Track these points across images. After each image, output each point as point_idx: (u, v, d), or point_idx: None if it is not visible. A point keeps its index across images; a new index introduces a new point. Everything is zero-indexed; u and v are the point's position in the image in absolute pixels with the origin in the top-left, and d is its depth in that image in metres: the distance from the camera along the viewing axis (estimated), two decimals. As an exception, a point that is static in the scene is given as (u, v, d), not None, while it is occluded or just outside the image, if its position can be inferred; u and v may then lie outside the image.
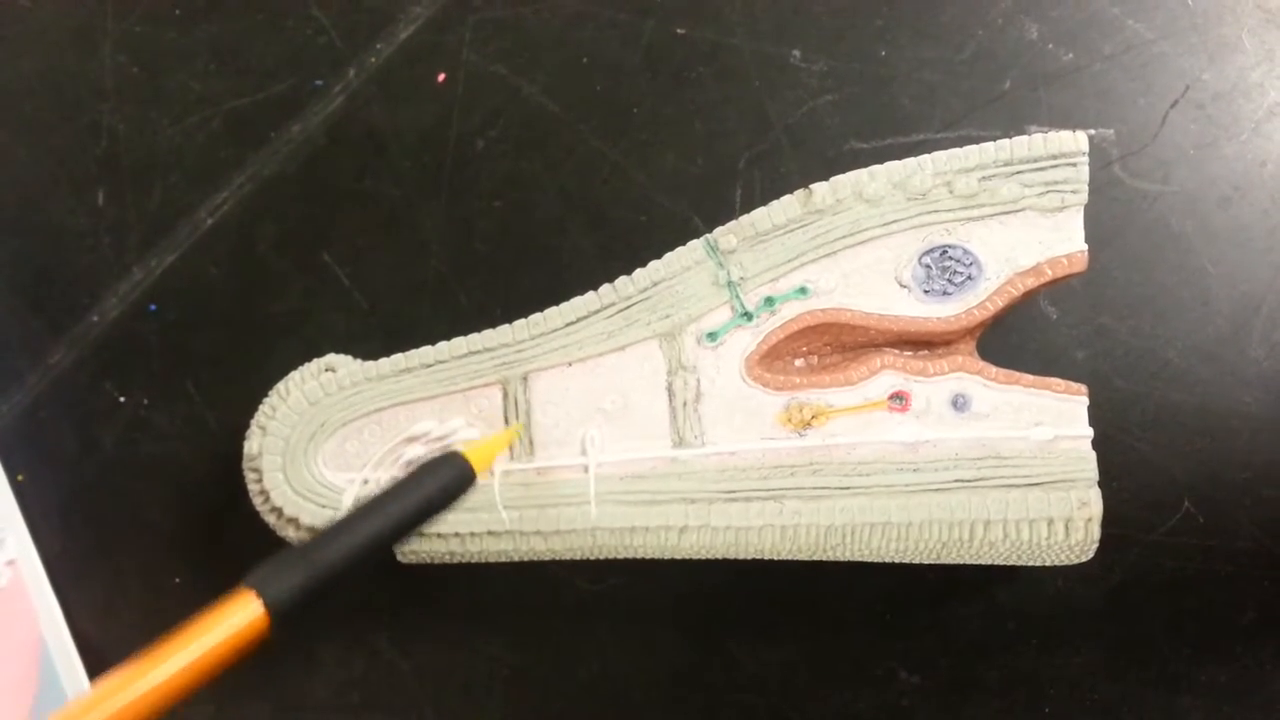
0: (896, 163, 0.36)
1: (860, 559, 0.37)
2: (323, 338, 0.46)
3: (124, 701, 0.24)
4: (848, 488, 0.37)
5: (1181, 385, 0.41)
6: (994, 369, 0.37)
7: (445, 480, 0.32)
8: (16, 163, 0.49)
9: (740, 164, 0.44)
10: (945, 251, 0.36)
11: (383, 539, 0.30)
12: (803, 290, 0.37)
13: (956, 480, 0.36)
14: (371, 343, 0.42)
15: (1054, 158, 0.35)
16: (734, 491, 0.37)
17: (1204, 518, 0.41)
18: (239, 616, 0.27)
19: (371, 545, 0.30)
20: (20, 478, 0.48)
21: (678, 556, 0.38)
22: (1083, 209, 0.36)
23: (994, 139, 0.36)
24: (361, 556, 0.29)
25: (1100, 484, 0.36)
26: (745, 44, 0.44)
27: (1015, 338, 0.42)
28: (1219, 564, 0.41)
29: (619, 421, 0.38)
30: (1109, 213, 0.42)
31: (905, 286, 0.36)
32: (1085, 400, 0.37)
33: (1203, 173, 0.42)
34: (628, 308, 0.37)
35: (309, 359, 0.41)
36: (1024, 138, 0.35)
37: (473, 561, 0.39)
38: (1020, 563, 0.37)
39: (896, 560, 0.37)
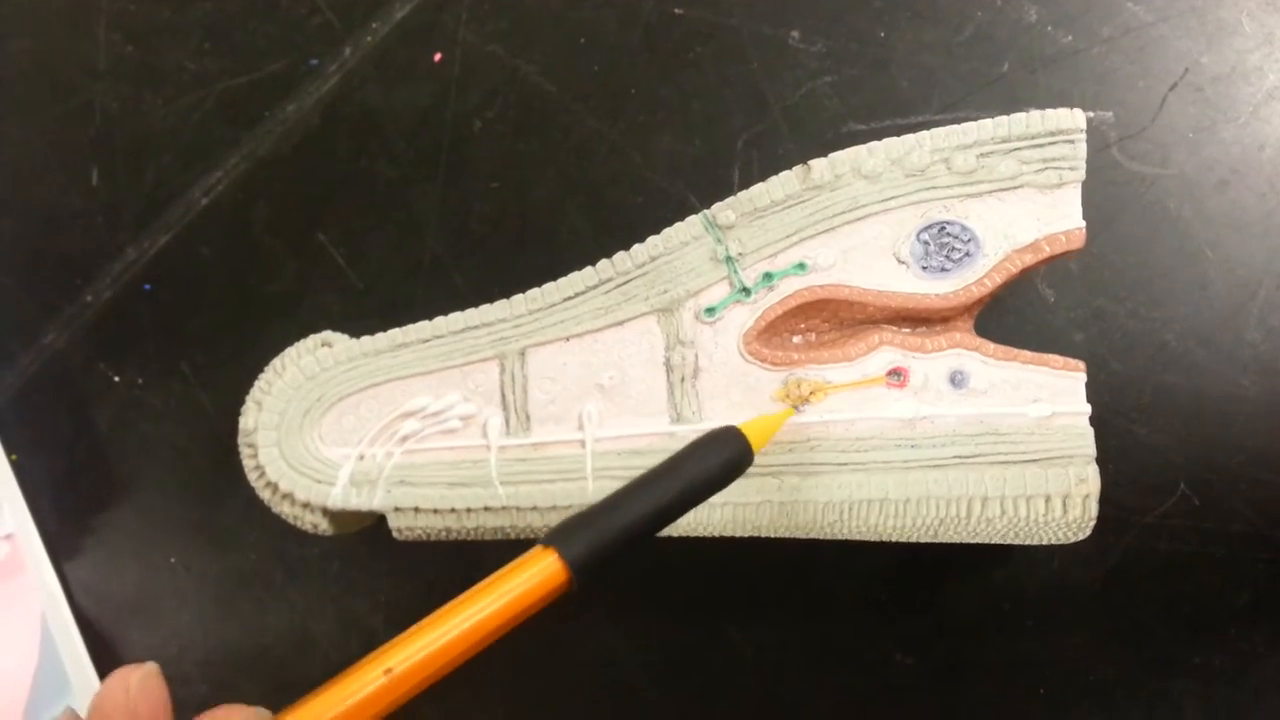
0: (895, 139, 0.36)
1: (857, 537, 0.37)
2: (317, 318, 0.46)
3: (428, 650, 0.25)
4: (845, 464, 0.37)
5: (1178, 368, 0.41)
6: (992, 345, 0.37)
7: (726, 457, 0.32)
8: (9, 143, 0.49)
9: (738, 145, 0.44)
10: (943, 228, 0.36)
11: (667, 511, 0.30)
12: (801, 266, 0.37)
13: (954, 456, 0.36)
14: (366, 323, 0.42)
15: (1052, 134, 0.35)
16: (731, 469, 0.37)
17: (1200, 501, 0.41)
18: (540, 572, 0.27)
19: (656, 516, 0.30)
20: (14, 458, 0.48)
21: (674, 534, 0.38)
22: (1080, 186, 0.36)
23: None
24: (648, 526, 0.30)
25: (1097, 464, 0.37)
26: (743, 25, 0.44)
27: (1013, 320, 0.42)
28: (1214, 547, 0.41)
29: (616, 397, 0.38)
30: (1107, 195, 0.42)
31: (903, 263, 0.36)
32: (1083, 376, 0.37)
33: (1201, 156, 0.42)
34: (626, 283, 0.37)
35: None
36: (1022, 115, 0.35)
37: (468, 539, 0.39)
38: (1017, 541, 0.37)
39: (894, 538, 0.37)
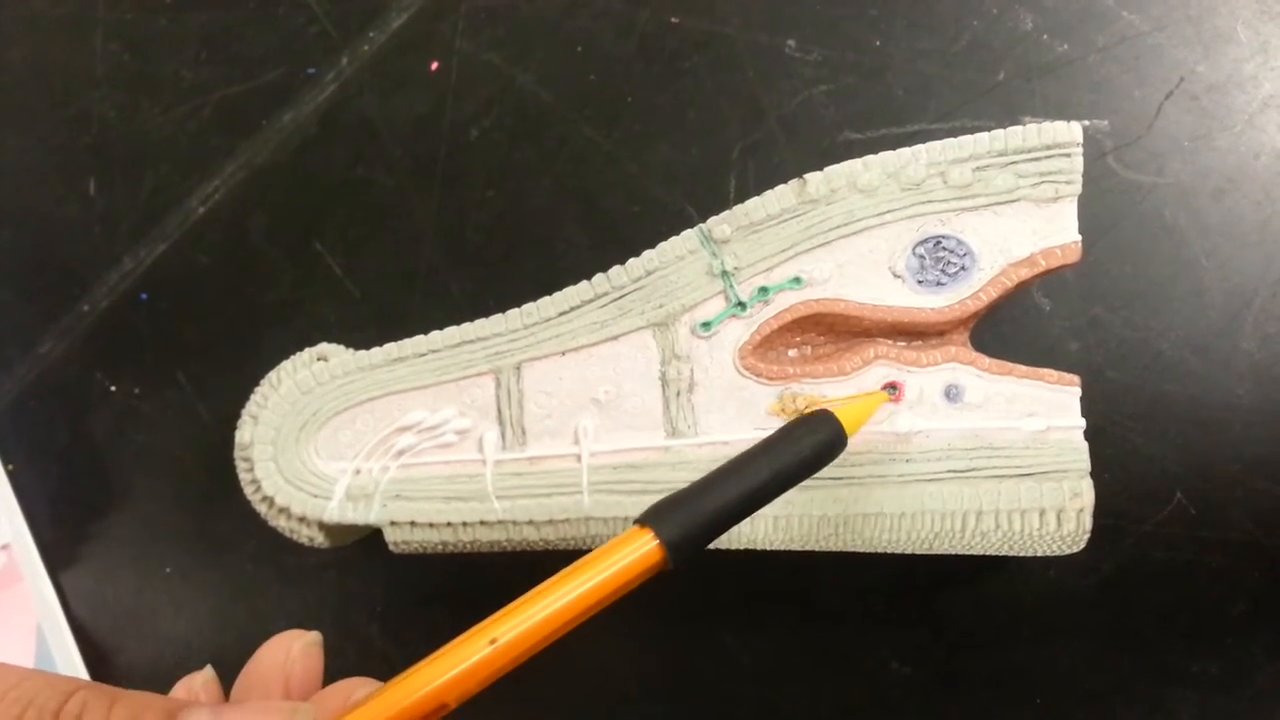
0: (891, 153, 0.36)
1: (853, 549, 0.37)
2: (314, 327, 0.45)
3: (531, 622, 0.26)
4: (840, 478, 0.37)
5: (1174, 377, 0.41)
6: (987, 359, 0.37)
7: (820, 441, 0.32)
8: (7, 152, 0.49)
9: (734, 154, 0.44)
10: (939, 242, 0.36)
11: (759, 493, 0.30)
12: (797, 280, 0.37)
13: (949, 471, 0.36)
14: (363, 332, 0.42)
15: (1048, 148, 0.35)
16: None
17: (1195, 509, 0.41)
18: (637, 551, 0.28)
19: (749, 498, 0.30)
20: (11, 468, 0.48)
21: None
22: (1076, 200, 0.36)
23: (988, 130, 0.36)
24: (740, 508, 0.30)
25: (1092, 475, 0.37)
26: (739, 34, 0.44)
27: (1008, 329, 0.42)
28: (1210, 555, 0.41)
29: (612, 411, 0.38)
30: (1103, 204, 0.41)
31: (899, 277, 0.36)
32: (1078, 391, 0.37)
33: (1197, 165, 0.42)
34: (621, 297, 0.37)
35: (301, 348, 0.40)
36: (1018, 128, 0.35)
37: (465, 551, 0.39)
38: (1012, 553, 0.37)
39: (889, 551, 0.37)
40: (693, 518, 0.29)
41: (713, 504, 0.29)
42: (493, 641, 0.26)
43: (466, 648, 0.26)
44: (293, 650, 0.27)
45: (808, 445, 0.32)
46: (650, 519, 0.29)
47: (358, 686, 0.27)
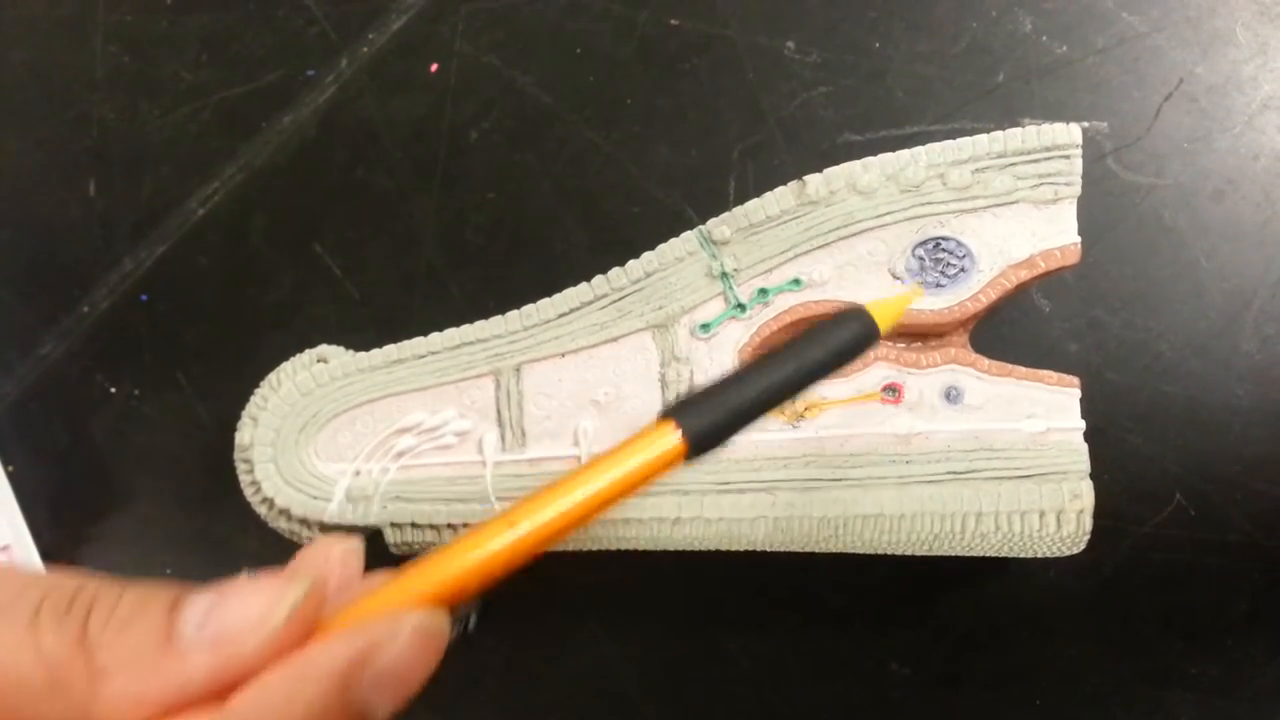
0: (890, 155, 0.36)
1: (852, 551, 0.37)
2: (314, 329, 0.45)
3: (554, 511, 0.26)
4: (840, 479, 0.37)
5: (1173, 378, 0.41)
6: (986, 361, 0.37)
7: (851, 334, 0.31)
8: (7, 154, 0.49)
9: (734, 156, 0.44)
10: (939, 243, 0.36)
11: (787, 386, 0.30)
12: (796, 282, 0.37)
13: (948, 472, 0.36)
14: (363, 334, 0.42)
15: (1047, 150, 0.35)
16: (727, 483, 0.37)
17: (1195, 511, 0.41)
18: (660, 443, 0.28)
19: (777, 390, 0.30)
20: (11, 469, 0.48)
21: (670, 548, 0.38)
22: (1076, 201, 0.36)
23: (987, 131, 0.36)
24: (768, 399, 0.30)
25: (1092, 476, 0.37)
26: (739, 36, 0.44)
27: (1008, 330, 0.42)
28: (1210, 557, 0.41)
29: (612, 413, 0.38)
30: (1102, 206, 0.41)
31: (899, 278, 0.36)
32: (1077, 392, 0.37)
33: (1196, 166, 0.42)
34: (621, 299, 0.37)
35: (300, 350, 0.40)
36: (1018, 130, 0.35)
37: (465, 553, 0.39)
38: (1012, 555, 0.37)
39: (888, 552, 0.37)
40: (716, 410, 0.29)
41: (736, 398, 0.29)
42: (512, 525, 0.26)
43: (487, 533, 0.25)
44: (332, 553, 0.26)
45: (839, 339, 0.31)
46: (675, 412, 0.29)
47: (380, 579, 0.26)
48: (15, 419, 0.48)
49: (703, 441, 0.29)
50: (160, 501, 0.47)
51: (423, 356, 0.38)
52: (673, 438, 0.28)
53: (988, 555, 0.37)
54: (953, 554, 0.37)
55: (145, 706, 0.21)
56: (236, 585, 0.22)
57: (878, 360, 0.37)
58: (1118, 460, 0.41)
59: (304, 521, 0.38)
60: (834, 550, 0.37)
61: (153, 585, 0.22)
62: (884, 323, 0.31)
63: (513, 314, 0.38)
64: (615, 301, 0.37)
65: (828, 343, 0.31)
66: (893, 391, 0.37)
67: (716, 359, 0.37)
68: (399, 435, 0.38)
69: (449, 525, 0.38)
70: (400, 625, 0.23)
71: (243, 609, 0.22)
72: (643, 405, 0.38)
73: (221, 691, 0.21)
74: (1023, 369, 0.37)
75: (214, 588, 0.22)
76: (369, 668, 0.22)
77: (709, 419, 0.29)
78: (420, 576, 0.25)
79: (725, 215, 0.37)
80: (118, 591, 0.22)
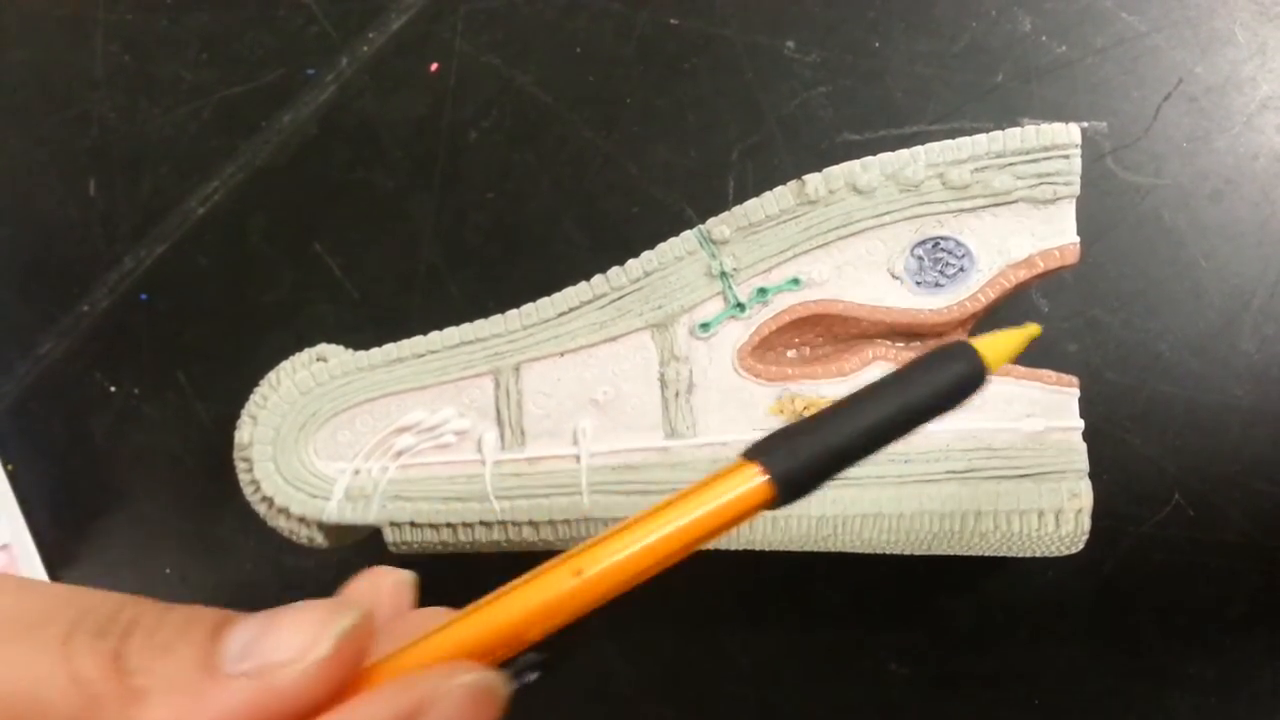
0: (889, 154, 0.36)
1: (851, 550, 0.37)
2: (314, 328, 0.46)
3: (621, 555, 0.24)
4: (839, 479, 0.37)
5: (1172, 378, 0.41)
6: (985, 360, 0.37)
7: (956, 376, 0.29)
8: (7, 153, 0.49)
9: (733, 156, 0.44)
10: (938, 243, 0.36)
11: (883, 431, 0.28)
12: (795, 281, 0.37)
13: (947, 472, 0.36)
14: (362, 333, 0.42)
15: (1046, 150, 0.35)
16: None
17: (1194, 510, 0.41)
18: (742, 486, 0.25)
19: (871, 435, 0.27)
20: (11, 468, 0.48)
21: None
22: (1075, 201, 0.36)
23: (987, 131, 0.36)
24: (861, 445, 0.27)
25: (1090, 476, 0.37)
26: (738, 35, 0.44)
27: (1007, 330, 0.42)
28: (1209, 557, 0.41)
29: (611, 412, 0.38)
30: (1101, 206, 0.42)
31: (897, 278, 0.36)
32: (1076, 392, 0.37)
33: (1195, 166, 0.42)
34: (620, 298, 0.37)
35: (300, 349, 0.40)
36: (1017, 130, 0.35)
37: (465, 552, 0.39)
38: (1011, 554, 0.37)
39: (887, 551, 0.37)
40: (807, 452, 0.26)
41: (829, 441, 0.26)
42: (578, 573, 0.24)
43: (550, 579, 0.24)
44: (383, 584, 0.26)
45: (942, 380, 0.28)
46: (758, 452, 0.26)
47: (432, 617, 0.26)
48: (15, 418, 0.48)
49: (793, 486, 0.26)
50: (160, 500, 0.47)
51: (422, 355, 0.38)
52: (757, 480, 0.25)
53: (986, 555, 0.37)
54: (952, 553, 0.37)
55: None
56: (283, 613, 0.21)
57: (876, 360, 0.37)
58: (1117, 460, 0.41)
59: (303, 520, 0.38)
60: (833, 550, 0.37)
61: (196, 609, 0.22)
62: (995, 362, 0.29)
63: (512, 313, 0.38)
64: (614, 301, 0.37)
65: (933, 382, 0.28)
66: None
67: (716, 358, 0.37)
68: (398, 434, 0.38)
69: (448, 524, 0.38)
70: (452, 682, 0.21)
71: (288, 638, 0.21)
72: (642, 405, 0.38)
73: None
74: (1022, 368, 0.37)
75: (260, 615, 0.22)
76: None
77: (802, 463, 0.26)
78: (476, 622, 0.23)
79: (724, 215, 0.37)
80: (159, 614, 0.21)
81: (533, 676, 0.24)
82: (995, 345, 0.29)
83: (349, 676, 0.21)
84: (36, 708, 0.19)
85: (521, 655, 0.24)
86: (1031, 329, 0.30)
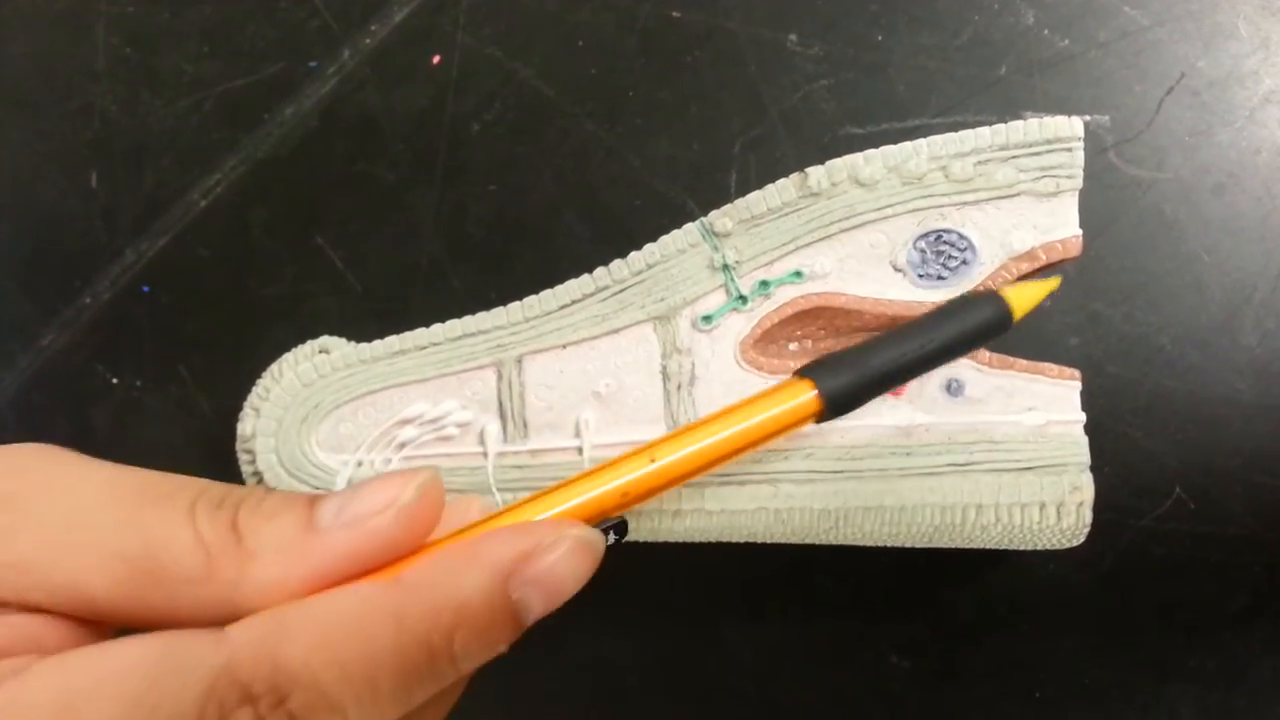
0: (892, 147, 0.36)
1: (853, 543, 0.38)
2: (316, 321, 0.45)
3: (691, 448, 0.29)
4: (841, 471, 0.37)
5: (1174, 372, 0.41)
6: (987, 354, 0.37)
7: (984, 318, 0.32)
8: (8, 145, 0.49)
9: (735, 149, 0.44)
10: (940, 236, 0.36)
11: (918, 362, 0.32)
12: (797, 274, 0.37)
13: (949, 464, 0.36)
14: (364, 326, 0.42)
15: (1049, 143, 0.35)
16: (728, 475, 0.37)
17: (1195, 504, 0.41)
18: (796, 399, 0.30)
19: (910, 364, 0.32)
20: (12, 460, 0.48)
21: (671, 540, 0.38)
22: (1077, 194, 0.36)
23: (989, 124, 0.36)
24: (898, 373, 0.32)
25: (1092, 469, 0.37)
26: (741, 28, 0.44)
27: (1009, 324, 0.42)
28: (1210, 550, 0.41)
29: (613, 404, 0.38)
30: (1103, 199, 0.42)
31: (900, 271, 0.36)
32: (1078, 385, 0.37)
33: (1197, 160, 0.42)
34: (622, 291, 0.37)
35: (302, 341, 0.40)
36: (1020, 123, 0.35)
37: (466, 544, 0.39)
38: (1012, 547, 0.37)
39: (889, 544, 0.38)
40: (851, 374, 0.30)
41: (872, 367, 0.31)
42: (653, 459, 0.28)
43: (628, 463, 0.28)
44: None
45: (971, 321, 0.32)
46: (812, 371, 0.30)
47: (470, 503, 0.29)
48: (17, 410, 0.48)
49: (838, 402, 0.30)
50: (161, 493, 0.47)
51: (424, 348, 0.38)
52: (808, 395, 0.30)
53: (988, 547, 0.37)
54: (953, 546, 0.37)
55: (290, 585, 0.23)
56: (367, 481, 0.24)
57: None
58: (1118, 453, 0.41)
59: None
60: (834, 542, 0.38)
61: (291, 494, 0.25)
62: (1019, 310, 0.33)
63: (514, 305, 0.38)
64: (617, 293, 0.37)
65: (962, 323, 0.32)
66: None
67: (718, 350, 0.37)
68: (401, 426, 0.38)
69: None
70: (564, 533, 0.25)
71: (376, 494, 0.24)
72: (644, 397, 0.38)
73: (362, 573, 0.24)
74: (1024, 362, 0.37)
75: (343, 491, 0.24)
76: (532, 566, 0.24)
77: (845, 380, 0.30)
78: (571, 492, 0.27)
79: (727, 207, 0.37)
80: (263, 493, 0.24)
81: (613, 539, 0.28)
82: (1020, 294, 0.33)
83: (432, 524, 0.25)
84: (169, 561, 0.22)
85: (599, 524, 0.27)
86: (1052, 281, 0.34)
